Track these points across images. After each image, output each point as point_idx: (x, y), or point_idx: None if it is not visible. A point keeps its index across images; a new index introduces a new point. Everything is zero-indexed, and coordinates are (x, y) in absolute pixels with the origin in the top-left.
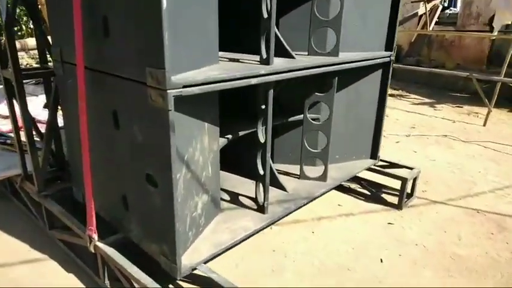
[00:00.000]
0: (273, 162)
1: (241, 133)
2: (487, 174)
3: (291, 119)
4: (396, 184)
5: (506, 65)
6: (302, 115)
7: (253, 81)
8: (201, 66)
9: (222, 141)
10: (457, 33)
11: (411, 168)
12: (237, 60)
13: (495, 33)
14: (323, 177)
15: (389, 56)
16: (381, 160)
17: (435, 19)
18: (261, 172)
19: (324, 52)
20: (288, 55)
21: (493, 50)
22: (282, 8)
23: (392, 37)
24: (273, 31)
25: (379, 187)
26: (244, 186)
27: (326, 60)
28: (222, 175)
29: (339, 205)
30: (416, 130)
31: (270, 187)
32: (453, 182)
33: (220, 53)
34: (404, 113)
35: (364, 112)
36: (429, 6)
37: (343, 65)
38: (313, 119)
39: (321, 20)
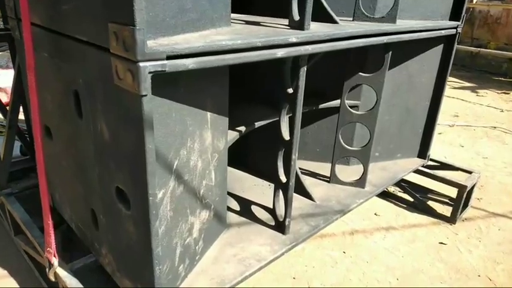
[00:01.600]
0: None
1: (257, 124)
2: None
3: (322, 105)
4: (446, 189)
5: None
6: (336, 101)
7: (280, 52)
8: (201, 27)
9: (232, 137)
10: (507, 5)
11: (469, 172)
12: (258, 24)
13: None
14: (361, 183)
15: (456, 27)
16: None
17: None
18: (283, 179)
19: (376, 17)
20: (328, 19)
21: None
22: None
23: (460, 2)
24: None
25: (425, 191)
26: (258, 189)
27: (379, 28)
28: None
29: (375, 214)
30: (461, 119)
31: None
32: None
33: (234, 15)
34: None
35: (415, 100)
36: None
37: (402, 35)
38: (351, 107)
39: None
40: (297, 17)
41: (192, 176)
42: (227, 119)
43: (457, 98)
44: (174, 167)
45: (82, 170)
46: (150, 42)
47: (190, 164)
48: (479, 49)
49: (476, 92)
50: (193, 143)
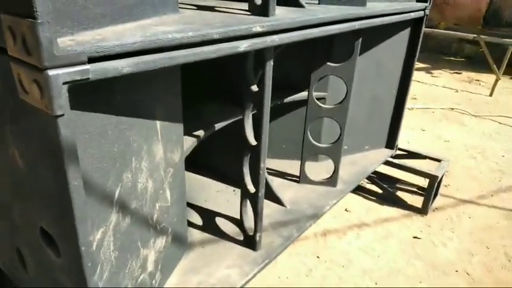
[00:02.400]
0: None
1: (218, 126)
2: None
3: (288, 99)
4: (414, 178)
5: None
6: (303, 94)
7: (244, 45)
8: (141, 16)
9: (189, 145)
10: None
11: (437, 160)
12: (212, 9)
13: None
14: (332, 181)
15: (423, 9)
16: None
17: None
18: (251, 189)
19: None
20: (293, 2)
21: (490, 9)
22: None
23: None
24: None
25: (393, 181)
26: (222, 196)
27: (350, 12)
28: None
29: (346, 210)
30: (419, 101)
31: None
32: (477, 172)
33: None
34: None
35: (382, 88)
36: None
37: (374, 20)
38: (318, 99)
39: None
40: (259, 0)
41: (141, 201)
42: (181, 125)
43: (414, 80)
44: (116, 197)
45: (5, 201)
46: (65, 39)
47: (138, 188)
48: (432, 29)
49: (431, 73)
50: (140, 161)
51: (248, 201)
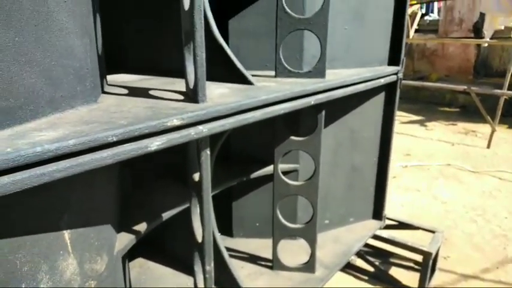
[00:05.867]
0: (232, 236)
1: (166, 215)
2: None
3: (254, 174)
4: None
5: (510, 75)
6: (269, 168)
7: (156, 143)
8: (29, 118)
9: (125, 244)
10: (442, 40)
11: (431, 232)
12: (144, 93)
13: (487, 39)
14: (310, 267)
15: (396, 73)
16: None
17: (415, 26)
18: None
19: (301, 71)
20: (241, 79)
21: (479, 59)
22: (228, 1)
23: (398, 44)
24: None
25: (385, 255)
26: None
27: (304, 88)
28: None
29: None
30: (413, 158)
31: None
32: (479, 238)
33: (110, 77)
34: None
35: (360, 157)
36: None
37: (333, 93)
38: (288, 172)
39: (295, 20)
40: (191, 82)
41: None
42: (111, 225)
43: (407, 134)
44: None
45: None
46: None
47: None
48: (422, 83)
49: (425, 126)
50: (38, 284)
51: None
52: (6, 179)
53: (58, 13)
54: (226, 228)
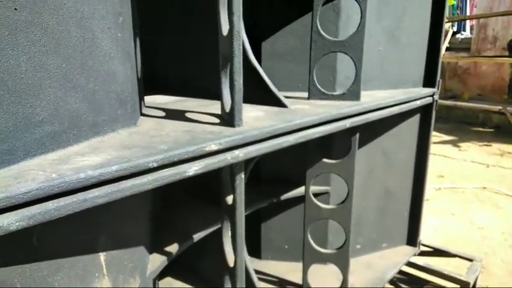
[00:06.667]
0: (260, 258)
1: (197, 236)
2: None
3: (285, 196)
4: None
5: None
6: (300, 190)
7: (193, 168)
8: (72, 142)
9: (156, 266)
10: (474, 58)
11: (469, 260)
12: (181, 116)
13: None
14: None
15: (432, 95)
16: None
17: (446, 44)
18: None
19: (335, 93)
20: (275, 101)
21: None
22: (261, 23)
23: (434, 66)
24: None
25: (420, 283)
26: None
27: (339, 111)
28: None
29: None
30: (447, 180)
31: None
32: None
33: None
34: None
35: (394, 180)
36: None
37: (369, 115)
38: (319, 194)
39: (329, 42)
40: (228, 107)
41: None
42: (145, 244)
43: (439, 154)
44: None
45: None
46: None
47: None
48: (455, 102)
49: (458, 146)
50: None
51: None
52: (51, 204)
53: (102, 39)
54: (254, 250)
